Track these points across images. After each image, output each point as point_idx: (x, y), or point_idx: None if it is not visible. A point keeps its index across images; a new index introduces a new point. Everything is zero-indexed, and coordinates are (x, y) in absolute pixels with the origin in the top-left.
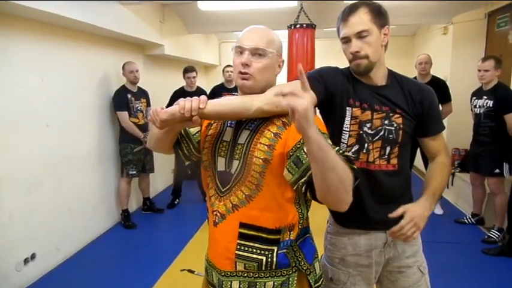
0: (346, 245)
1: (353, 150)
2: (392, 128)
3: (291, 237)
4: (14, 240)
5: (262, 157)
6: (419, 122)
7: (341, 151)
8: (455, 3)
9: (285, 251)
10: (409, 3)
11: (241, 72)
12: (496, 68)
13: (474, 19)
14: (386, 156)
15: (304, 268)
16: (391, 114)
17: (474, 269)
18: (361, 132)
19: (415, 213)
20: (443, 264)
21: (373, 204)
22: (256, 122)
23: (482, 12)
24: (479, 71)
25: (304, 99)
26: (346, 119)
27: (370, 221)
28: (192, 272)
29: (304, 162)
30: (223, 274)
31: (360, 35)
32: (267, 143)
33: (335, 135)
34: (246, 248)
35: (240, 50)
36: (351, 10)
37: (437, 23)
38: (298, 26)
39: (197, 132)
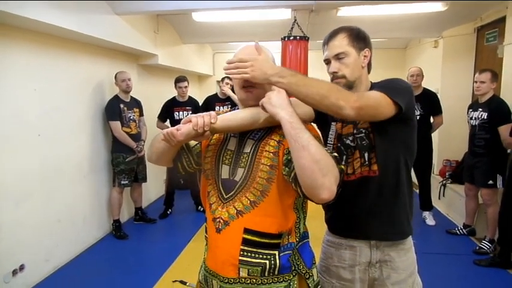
0: (333, 255)
1: None
2: (363, 134)
3: (290, 241)
4: (3, 252)
5: (269, 164)
6: None
7: (329, 151)
8: (446, 18)
9: (288, 252)
10: (400, 17)
11: (244, 87)
12: (492, 80)
13: (463, 33)
14: (367, 163)
15: (303, 272)
16: (357, 122)
17: (465, 280)
18: (339, 145)
19: (259, 60)
20: (434, 275)
21: (356, 213)
22: (260, 133)
23: (472, 27)
24: (476, 82)
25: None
26: (331, 133)
27: (353, 229)
28: (184, 283)
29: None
30: (226, 281)
31: (337, 57)
32: (272, 151)
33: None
34: (250, 254)
35: None
36: (331, 35)
37: (427, 37)
38: (291, 38)
39: (197, 144)
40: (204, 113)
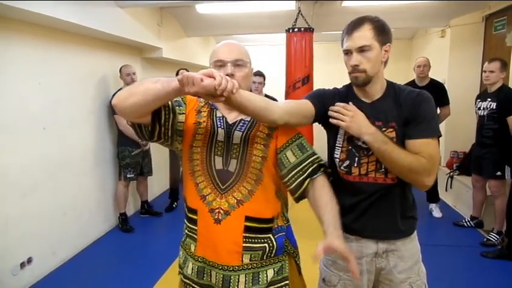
0: None
1: (345, 165)
2: None
3: (279, 224)
4: (9, 245)
5: (260, 155)
6: (406, 124)
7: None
8: (453, 6)
9: (281, 234)
10: (406, 6)
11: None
12: (501, 70)
13: (471, 22)
14: (383, 170)
15: (292, 251)
16: (383, 129)
17: (473, 272)
18: (350, 147)
19: (360, 116)
20: (441, 267)
21: (363, 214)
22: (246, 124)
23: (480, 15)
24: (485, 72)
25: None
26: (339, 136)
27: (358, 230)
28: None
29: (303, 153)
30: (230, 269)
31: (361, 49)
32: (262, 143)
33: (331, 150)
34: (251, 240)
35: (221, 64)
36: (355, 25)
37: (434, 27)
38: (296, 29)
39: (182, 113)
40: (229, 79)
